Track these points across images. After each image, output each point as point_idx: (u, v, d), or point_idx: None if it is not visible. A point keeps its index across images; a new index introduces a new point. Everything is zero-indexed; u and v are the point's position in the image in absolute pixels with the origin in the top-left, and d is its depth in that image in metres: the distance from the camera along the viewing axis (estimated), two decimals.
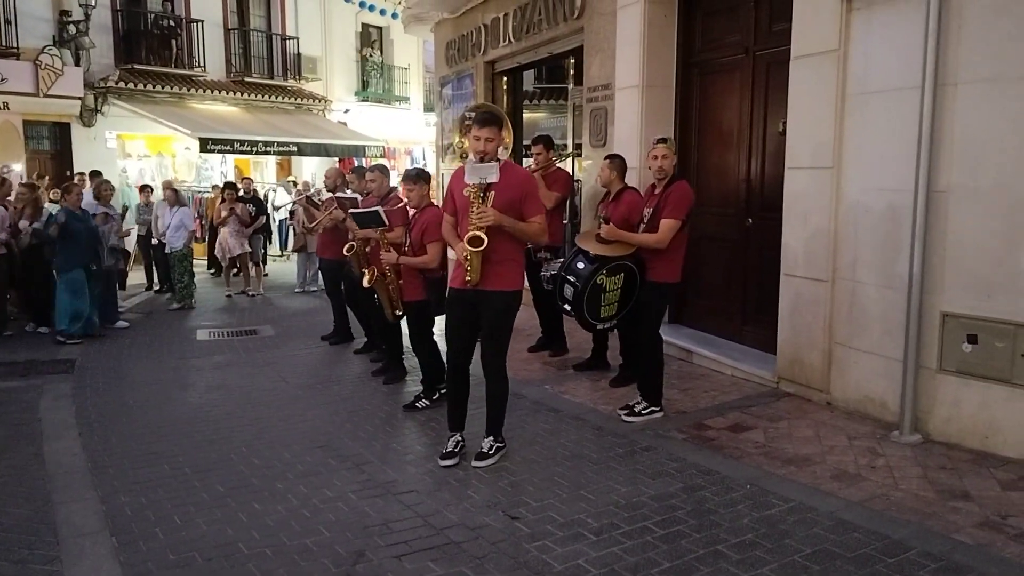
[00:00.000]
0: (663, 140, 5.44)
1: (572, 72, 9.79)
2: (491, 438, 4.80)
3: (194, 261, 11.68)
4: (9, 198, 9.30)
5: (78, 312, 8.63)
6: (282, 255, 16.56)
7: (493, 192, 4.51)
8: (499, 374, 4.75)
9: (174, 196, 11.35)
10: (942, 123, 4.74)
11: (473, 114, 4.79)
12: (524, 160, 10.16)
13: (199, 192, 16.16)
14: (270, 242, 15.00)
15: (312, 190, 13.79)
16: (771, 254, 6.19)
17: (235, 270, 12.52)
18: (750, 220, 6.72)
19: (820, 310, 5.63)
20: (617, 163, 6.16)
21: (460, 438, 4.97)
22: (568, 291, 5.72)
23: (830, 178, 5.49)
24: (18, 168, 14.59)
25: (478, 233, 4.45)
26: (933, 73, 4.70)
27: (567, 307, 5.81)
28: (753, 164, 6.70)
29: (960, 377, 4.79)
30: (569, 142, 8.38)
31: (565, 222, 7.65)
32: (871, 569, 3.41)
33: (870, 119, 5.24)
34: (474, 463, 4.67)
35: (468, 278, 4.56)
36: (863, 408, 5.39)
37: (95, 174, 12.85)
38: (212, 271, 14.21)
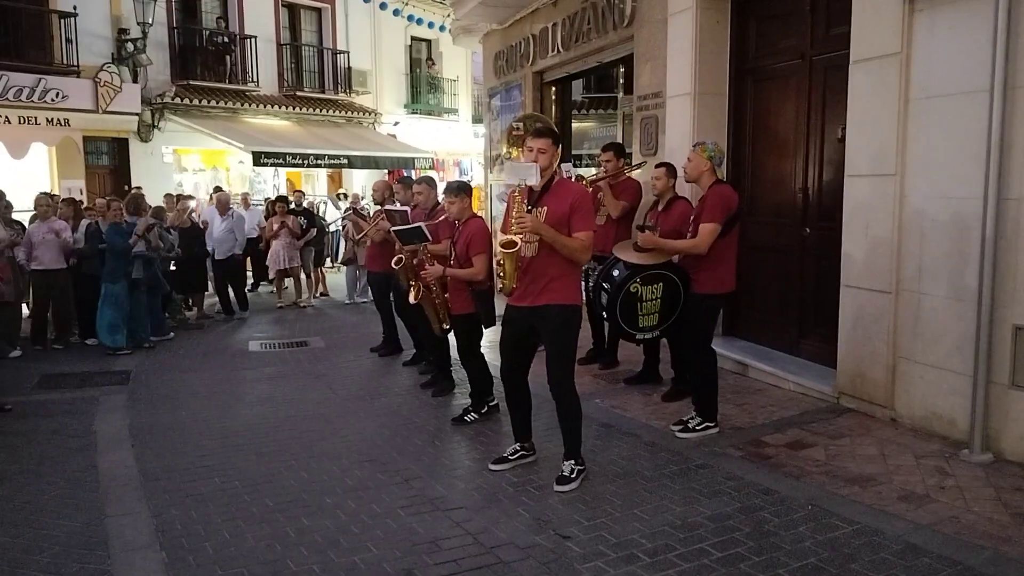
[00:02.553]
0: (695, 145, 5.41)
1: (622, 81, 9.69)
2: (572, 461, 4.62)
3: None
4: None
5: (115, 324, 8.75)
6: (332, 267, 16.69)
7: (546, 208, 4.41)
8: (569, 394, 4.58)
9: (223, 204, 11.59)
10: (1012, 128, 4.53)
11: (522, 124, 4.74)
12: (581, 168, 10.08)
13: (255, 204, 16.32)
14: (329, 255, 15.15)
15: (360, 203, 13.90)
16: (829, 264, 6.00)
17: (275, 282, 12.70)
18: (807, 230, 6.52)
19: (883, 323, 5.42)
20: (673, 171, 6.04)
21: (519, 446, 4.90)
22: (603, 299, 5.62)
23: (892, 186, 5.29)
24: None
25: (512, 237, 4.34)
26: (1003, 75, 4.50)
27: (604, 315, 5.71)
28: (810, 172, 6.51)
29: None
30: (636, 152, 8.26)
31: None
32: None
33: (935, 124, 5.04)
34: (556, 487, 4.51)
35: (501, 285, 4.49)
36: (930, 425, 5.17)
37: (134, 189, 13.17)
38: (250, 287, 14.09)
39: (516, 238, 4.34)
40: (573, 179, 7.30)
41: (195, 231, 11.12)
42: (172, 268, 10.54)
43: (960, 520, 3.94)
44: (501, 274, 4.46)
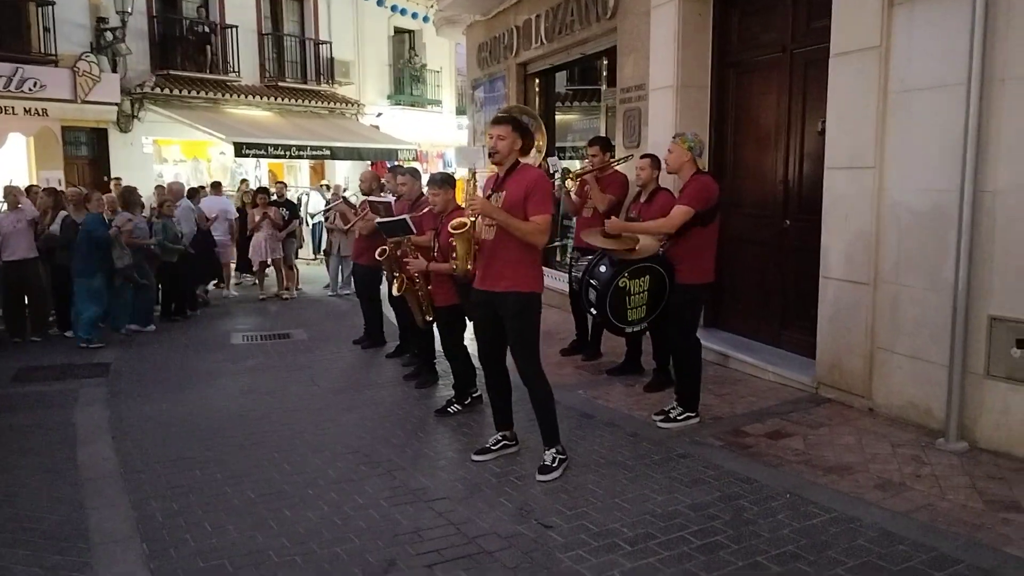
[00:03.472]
0: (675, 136, 5.43)
1: (605, 73, 9.69)
2: (552, 450, 4.65)
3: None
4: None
5: (95, 318, 8.69)
6: (315, 258, 16.63)
7: (504, 192, 4.49)
8: (536, 379, 4.63)
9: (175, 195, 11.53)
10: (989, 120, 4.58)
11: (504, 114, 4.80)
12: (565, 161, 10.09)
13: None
14: (301, 246, 15.05)
15: (344, 192, 13.86)
16: (809, 256, 6.04)
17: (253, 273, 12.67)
18: (788, 222, 6.57)
19: (862, 314, 5.48)
20: (657, 162, 6.06)
21: (501, 436, 4.94)
22: (592, 295, 5.63)
23: (872, 178, 5.34)
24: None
25: (463, 219, 4.45)
26: (980, 69, 4.54)
27: (593, 311, 5.73)
28: (791, 164, 6.55)
29: (1009, 383, 4.62)
30: (619, 144, 8.27)
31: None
32: None
33: (913, 117, 5.09)
34: (538, 477, 4.54)
35: (454, 267, 4.60)
36: (906, 415, 5.23)
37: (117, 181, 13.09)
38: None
39: (467, 219, 4.44)
40: (559, 172, 7.33)
41: (204, 222, 11.48)
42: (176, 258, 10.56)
43: (935, 508, 4.00)
44: (454, 255, 4.56)
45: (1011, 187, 4.53)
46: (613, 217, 5.63)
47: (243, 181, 16.53)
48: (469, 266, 4.61)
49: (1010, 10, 4.47)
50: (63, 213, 9.38)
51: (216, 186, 14.25)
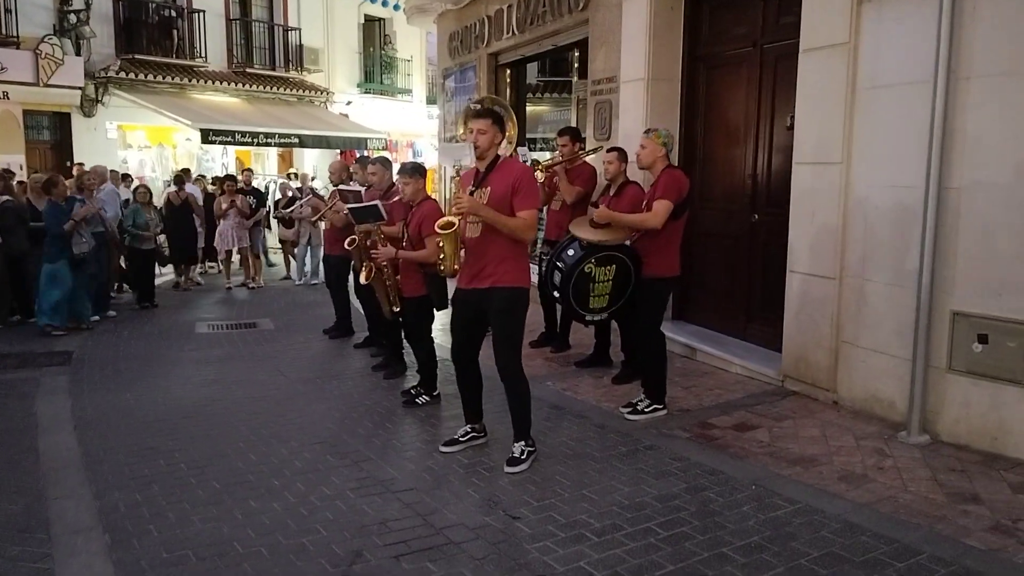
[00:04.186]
0: (646, 131, 5.43)
1: (576, 65, 9.69)
2: (521, 443, 4.64)
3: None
4: None
5: (59, 303, 8.54)
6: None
7: (489, 188, 4.44)
8: (516, 376, 4.60)
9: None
10: (954, 118, 4.64)
11: (480, 105, 4.75)
12: (536, 152, 10.07)
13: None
14: (269, 230, 14.87)
15: (312, 183, 13.74)
16: (777, 251, 6.10)
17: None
18: (756, 216, 6.63)
19: (827, 308, 5.54)
20: (624, 156, 6.07)
21: (469, 428, 4.93)
22: (556, 277, 5.63)
23: (839, 174, 5.40)
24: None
25: (451, 218, 4.39)
26: (946, 67, 4.60)
27: (556, 294, 5.72)
28: (760, 159, 6.60)
29: (970, 377, 4.71)
30: (590, 136, 8.27)
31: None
32: (880, 574, 3.34)
33: (880, 114, 5.15)
34: (506, 468, 4.53)
35: (442, 267, 4.53)
36: (870, 408, 5.31)
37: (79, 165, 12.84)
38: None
39: (454, 219, 4.37)
40: (528, 163, 7.31)
41: (185, 207, 11.91)
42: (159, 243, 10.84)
43: (897, 500, 4.06)
44: (442, 256, 4.49)
45: (975, 184, 4.61)
46: (602, 206, 5.60)
47: (201, 177, 15.96)
48: (456, 265, 4.53)
49: (976, 9, 4.53)
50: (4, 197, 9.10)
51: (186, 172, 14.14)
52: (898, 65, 5.01)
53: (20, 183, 10.45)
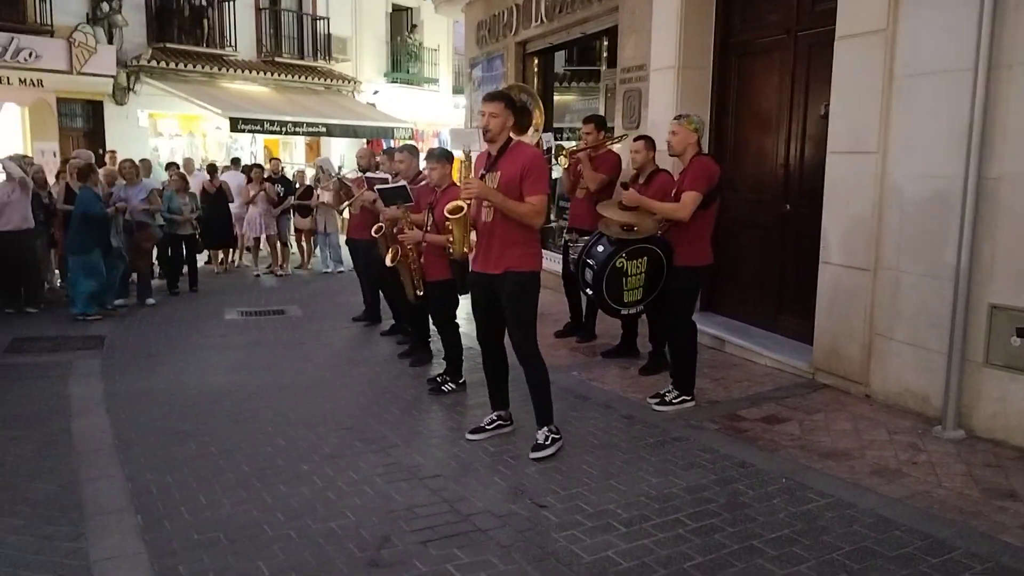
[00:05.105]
0: (677, 117, 5.38)
1: (605, 53, 9.61)
2: (545, 428, 4.63)
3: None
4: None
5: (95, 293, 8.64)
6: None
7: (500, 172, 4.44)
8: (533, 359, 4.60)
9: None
10: (995, 107, 4.54)
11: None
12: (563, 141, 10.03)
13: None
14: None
15: (340, 170, 13.81)
16: (809, 242, 6.01)
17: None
18: (788, 206, 6.54)
19: (860, 300, 5.46)
20: (652, 144, 6.01)
21: (496, 416, 4.92)
22: (588, 275, 5.60)
23: (874, 163, 5.30)
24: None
25: (459, 203, 4.40)
26: (987, 54, 4.50)
27: (589, 292, 5.69)
28: (792, 148, 6.51)
29: (1007, 371, 4.61)
30: (618, 125, 8.20)
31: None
32: (914, 569, 3.28)
33: (918, 102, 5.05)
34: (531, 455, 4.52)
35: (451, 251, 4.57)
36: (903, 402, 5.23)
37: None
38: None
39: (463, 203, 4.39)
40: (551, 150, 7.27)
41: (220, 194, 11.95)
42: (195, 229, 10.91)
43: (931, 495, 3.99)
44: (451, 240, 4.52)
45: (1015, 174, 4.50)
46: (632, 188, 5.54)
47: (236, 160, 16.15)
48: (466, 249, 4.57)
49: None
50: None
51: (235, 162, 14.53)
52: (937, 52, 4.91)
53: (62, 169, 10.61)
